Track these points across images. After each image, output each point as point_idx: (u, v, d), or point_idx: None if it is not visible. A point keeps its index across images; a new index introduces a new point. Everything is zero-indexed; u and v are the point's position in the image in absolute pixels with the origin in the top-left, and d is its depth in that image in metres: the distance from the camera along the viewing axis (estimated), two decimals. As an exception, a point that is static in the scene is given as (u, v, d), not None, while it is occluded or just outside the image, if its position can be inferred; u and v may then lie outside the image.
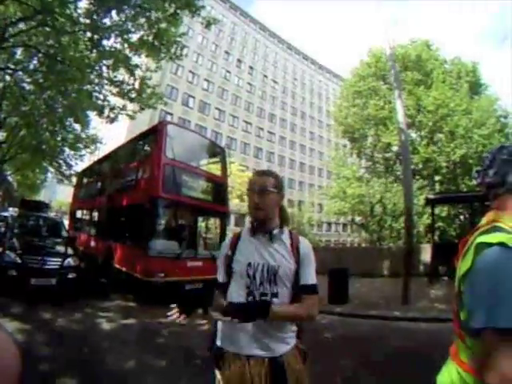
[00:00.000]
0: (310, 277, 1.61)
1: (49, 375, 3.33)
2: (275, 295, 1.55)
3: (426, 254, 12.15)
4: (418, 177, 18.74)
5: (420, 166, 18.77)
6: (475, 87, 21.08)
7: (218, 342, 1.60)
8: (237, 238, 1.71)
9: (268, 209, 1.62)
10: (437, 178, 18.79)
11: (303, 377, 1.58)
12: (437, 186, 18.36)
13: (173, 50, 10.84)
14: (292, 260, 1.60)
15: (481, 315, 0.92)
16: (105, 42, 10.20)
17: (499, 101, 21.08)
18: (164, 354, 4.14)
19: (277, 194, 1.66)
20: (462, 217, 18.59)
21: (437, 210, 14.92)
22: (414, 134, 19.92)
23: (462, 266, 1.06)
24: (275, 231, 1.62)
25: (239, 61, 48.62)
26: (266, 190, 1.61)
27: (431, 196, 13.43)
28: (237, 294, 1.57)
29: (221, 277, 1.69)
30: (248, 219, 1.75)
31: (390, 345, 5.16)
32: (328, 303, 7.68)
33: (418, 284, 9.06)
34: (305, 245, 1.68)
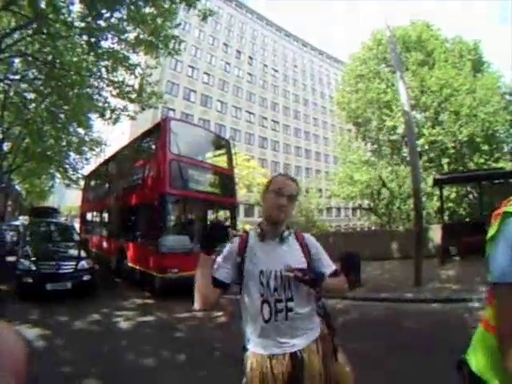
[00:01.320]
0: (329, 267, 1.71)
1: (71, 377, 3.41)
2: (290, 299, 1.58)
3: (437, 235, 12.12)
4: (425, 158, 18.58)
5: (426, 147, 18.58)
6: (477, 65, 20.74)
7: (248, 343, 1.63)
8: (244, 242, 1.69)
9: (289, 213, 1.66)
10: (444, 159, 18.55)
11: (328, 372, 1.60)
12: (445, 167, 18.15)
13: (171, 46, 10.80)
14: (304, 259, 1.65)
15: (497, 272, 1.04)
16: (102, 44, 10.20)
17: (502, 78, 20.75)
18: (183, 349, 4.21)
19: (295, 201, 1.70)
20: (471, 196, 18.43)
21: (445, 192, 14.81)
22: (418, 116, 19.65)
23: (490, 232, 1.14)
24: (285, 233, 1.66)
25: (238, 52, 48.26)
26: (294, 195, 1.66)
27: (439, 176, 13.34)
28: (251, 301, 1.60)
29: (221, 276, 1.64)
30: (255, 226, 1.75)
31: (404, 327, 5.21)
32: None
33: (429, 265, 9.05)
34: (310, 240, 1.74)
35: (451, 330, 4.83)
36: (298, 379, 1.53)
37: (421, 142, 18.08)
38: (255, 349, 1.58)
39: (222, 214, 10.06)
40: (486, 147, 18.21)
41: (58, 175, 21.41)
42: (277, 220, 1.64)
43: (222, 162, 10.32)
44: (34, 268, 6.67)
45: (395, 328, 5.14)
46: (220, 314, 6.10)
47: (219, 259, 1.71)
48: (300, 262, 1.62)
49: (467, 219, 16.92)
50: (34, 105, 13.04)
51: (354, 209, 37.71)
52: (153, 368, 3.73)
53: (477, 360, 1.18)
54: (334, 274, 1.71)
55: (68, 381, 3.31)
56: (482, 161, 17.94)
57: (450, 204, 17.45)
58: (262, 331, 1.56)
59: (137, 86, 11.67)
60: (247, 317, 1.63)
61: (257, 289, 1.59)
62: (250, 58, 49.73)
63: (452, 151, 18.26)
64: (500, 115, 18.31)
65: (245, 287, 1.64)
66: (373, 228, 24.58)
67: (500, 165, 17.52)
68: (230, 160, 10.06)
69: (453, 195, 17.84)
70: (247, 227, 33.98)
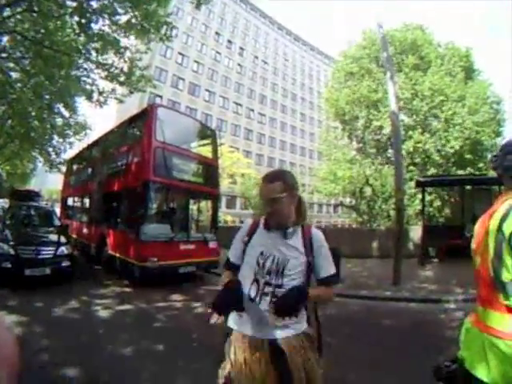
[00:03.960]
0: (331, 268, 1.71)
1: (48, 365, 3.36)
2: (279, 286, 1.59)
3: (416, 236, 12.35)
4: (409, 161, 18.80)
5: (411, 149, 18.76)
6: (469, 72, 20.99)
7: (229, 321, 1.67)
8: (255, 226, 1.76)
9: (281, 214, 1.64)
10: (428, 166, 18.74)
11: (309, 366, 1.60)
12: (428, 172, 18.35)
13: (162, 31, 10.62)
14: (304, 253, 1.65)
15: None
16: (93, 26, 9.95)
17: (491, 86, 21.03)
18: (161, 338, 4.19)
19: (287, 197, 1.63)
20: (452, 200, 18.78)
21: (427, 196, 15.06)
22: (406, 119, 19.82)
23: (507, 226, 1.20)
24: (290, 230, 1.66)
25: (230, 42, 48.00)
26: (275, 198, 1.61)
27: (422, 178, 13.56)
28: (243, 278, 1.66)
29: (233, 256, 1.79)
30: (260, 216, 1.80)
31: (381, 324, 5.30)
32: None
33: (408, 265, 9.21)
34: (318, 237, 1.72)
35: (427, 329, 4.95)
36: (277, 368, 1.55)
37: (407, 145, 18.27)
38: (237, 327, 1.64)
39: (204, 204, 10.05)
40: (470, 156, 18.50)
41: (41, 158, 20.93)
42: (272, 225, 1.68)
43: (206, 151, 10.25)
44: (12, 253, 6.52)
45: (372, 325, 5.22)
46: (198, 304, 6.12)
47: (233, 241, 1.83)
48: (299, 255, 1.64)
49: (447, 223, 17.24)
50: (19, 84, 12.66)
51: (335, 206, 38.11)
52: (131, 357, 3.70)
53: (489, 369, 1.18)
54: (330, 279, 1.70)
55: (45, 369, 3.25)
56: (466, 170, 18.18)
57: (431, 209, 17.70)
58: (247, 309, 1.56)
59: (126, 69, 11.45)
60: None
61: (252, 267, 1.65)
62: (241, 48, 49.54)
63: (437, 158, 18.45)
64: (487, 125, 18.60)
65: (243, 264, 1.72)
66: (354, 226, 24.85)
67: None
68: (214, 150, 9.96)
69: (436, 203, 18.10)
70: (229, 218, 33.89)
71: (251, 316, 1.59)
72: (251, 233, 1.74)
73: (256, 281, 1.63)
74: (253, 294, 1.61)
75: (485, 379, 1.18)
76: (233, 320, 1.66)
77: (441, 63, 19.90)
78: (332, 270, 1.71)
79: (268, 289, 1.60)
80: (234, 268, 1.77)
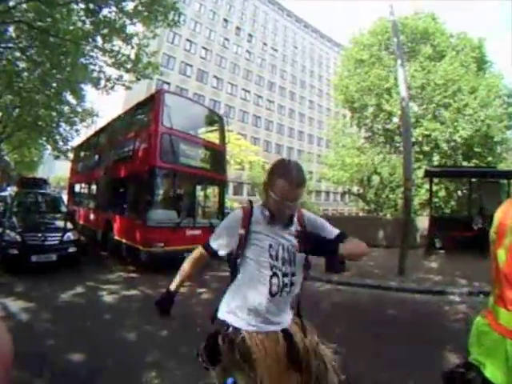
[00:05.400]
0: (332, 232, 1.71)
1: (54, 351, 3.41)
2: (294, 274, 1.61)
3: (423, 226, 12.27)
4: (417, 149, 18.59)
5: (420, 139, 18.53)
6: (481, 64, 20.55)
7: (234, 321, 1.59)
8: (249, 215, 1.65)
9: (295, 211, 1.65)
10: (436, 155, 18.49)
11: (310, 343, 1.67)
12: (435, 163, 18.12)
13: (170, 17, 10.52)
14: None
15: None
16: (99, 12, 9.89)
17: (503, 79, 20.59)
18: (166, 324, 4.20)
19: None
20: (459, 192, 18.58)
21: (434, 187, 14.91)
22: (416, 108, 19.53)
23: None
24: (294, 219, 1.66)
25: (238, 28, 47.42)
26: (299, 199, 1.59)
27: (430, 168, 13.41)
28: (258, 274, 1.58)
29: (217, 244, 1.70)
30: (261, 206, 1.68)
31: (385, 314, 5.29)
32: (325, 272, 7.80)
33: (414, 255, 9.19)
34: (308, 215, 1.76)
35: (430, 320, 4.94)
36: (292, 355, 1.58)
37: (416, 132, 18.04)
38: (249, 327, 1.57)
39: (211, 190, 10.02)
40: (478, 149, 18.23)
41: (49, 146, 21.05)
42: (279, 221, 1.62)
43: (214, 137, 10.20)
44: (19, 239, 6.59)
45: (377, 315, 5.23)
46: (203, 290, 6.15)
47: (218, 229, 1.74)
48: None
49: (454, 215, 17.12)
50: (26, 74, 12.67)
51: (343, 194, 38.01)
52: (135, 342, 3.76)
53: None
54: (342, 236, 1.68)
55: (51, 355, 3.30)
56: (474, 162, 17.96)
57: (437, 200, 17.53)
58: (265, 306, 1.55)
59: (133, 56, 11.40)
60: (245, 291, 1.60)
61: (266, 261, 1.57)
62: (250, 35, 48.96)
63: (446, 148, 18.22)
64: (501, 120, 18.26)
65: (248, 261, 1.61)
66: (361, 214, 24.76)
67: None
68: (222, 136, 9.91)
69: (441, 193, 17.94)
70: (235, 205, 34.16)
71: (270, 311, 1.58)
72: (247, 224, 1.62)
73: (275, 274, 1.57)
74: (275, 290, 1.56)
75: None
76: (241, 318, 1.59)
77: (455, 54, 19.52)
78: (338, 231, 1.72)
79: (286, 279, 1.59)
80: (212, 252, 1.72)
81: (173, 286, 1.80)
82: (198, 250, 1.79)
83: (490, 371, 1.15)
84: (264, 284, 1.55)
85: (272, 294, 1.56)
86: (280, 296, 1.57)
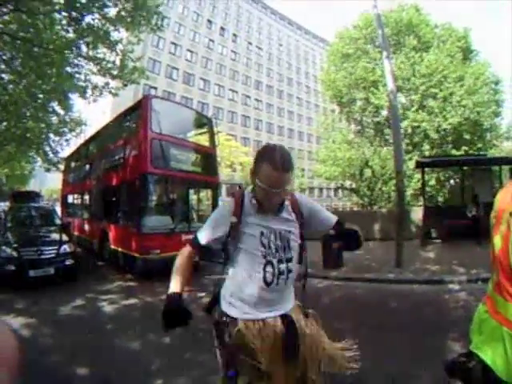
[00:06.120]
0: (330, 219, 1.75)
1: (58, 366, 3.38)
2: (289, 260, 1.60)
3: (417, 217, 12.35)
4: (407, 141, 18.72)
5: (409, 130, 18.67)
6: (466, 53, 20.75)
7: (231, 312, 1.59)
8: (240, 202, 1.60)
9: (282, 198, 1.60)
10: (426, 145, 18.63)
11: (313, 331, 1.66)
12: (426, 153, 18.26)
13: (153, 21, 10.48)
14: (297, 221, 1.65)
15: None
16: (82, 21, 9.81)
17: (490, 67, 20.78)
18: (167, 331, 4.23)
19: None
20: (451, 181, 18.74)
21: (426, 176, 15.04)
22: (403, 100, 19.67)
23: None
24: (285, 204, 1.64)
25: (222, 29, 47.32)
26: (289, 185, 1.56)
27: (422, 159, 13.51)
28: (251, 263, 1.56)
29: (204, 237, 1.63)
30: (250, 194, 1.63)
31: (385, 306, 5.32)
32: (323, 268, 7.83)
33: (410, 247, 9.23)
34: (303, 200, 1.73)
35: (430, 310, 4.97)
36: (291, 340, 1.56)
37: (405, 124, 18.16)
38: (246, 316, 1.56)
39: (204, 194, 10.01)
40: (468, 136, 18.39)
41: (38, 158, 20.80)
42: (267, 210, 1.59)
43: (204, 140, 10.16)
44: (15, 255, 6.52)
45: (377, 308, 5.25)
46: (203, 294, 6.14)
47: (208, 221, 1.67)
48: (295, 225, 1.64)
49: (448, 203, 17.27)
50: (11, 86, 12.50)
51: (336, 189, 38.17)
52: (139, 352, 3.73)
53: (510, 368, 1.11)
54: (338, 224, 1.73)
55: (55, 369, 3.27)
56: (464, 149, 18.12)
57: (429, 189, 17.66)
58: (261, 295, 1.54)
59: (118, 62, 11.32)
60: (240, 281, 1.58)
61: (258, 250, 1.55)
62: (235, 35, 48.89)
63: (435, 137, 18.37)
64: (488, 106, 18.42)
65: (241, 250, 1.59)
66: (355, 209, 24.86)
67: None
68: (212, 138, 9.90)
69: (432, 181, 18.08)
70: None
71: (267, 299, 1.57)
72: (239, 212, 1.58)
73: (269, 263, 1.55)
74: (269, 278, 1.54)
75: (504, 378, 1.11)
76: (238, 308, 1.58)
77: (439, 44, 19.69)
78: (336, 218, 1.76)
79: (282, 266, 1.57)
80: (199, 248, 1.64)
81: (173, 288, 1.62)
82: (185, 248, 1.69)
83: (490, 359, 1.15)
84: (258, 273, 1.54)
85: (267, 283, 1.54)
86: (277, 285, 1.55)
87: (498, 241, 1.22)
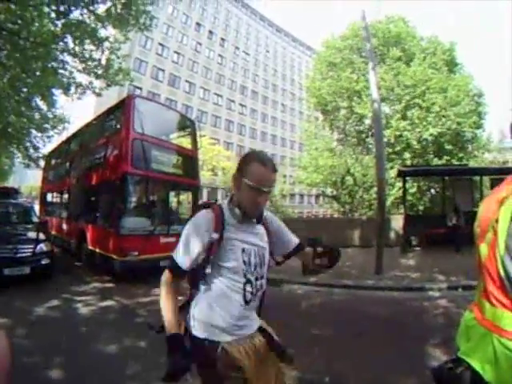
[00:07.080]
0: (294, 238, 1.76)
1: (31, 367, 3.27)
2: (263, 276, 1.58)
3: (397, 225, 12.53)
4: (390, 149, 18.98)
5: (392, 139, 18.94)
6: (451, 66, 21.23)
7: (210, 335, 1.47)
8: (220, 217, 1.50)
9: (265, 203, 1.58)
10: (407, 154, 18.90)
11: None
12: (407, 162, 18.56)
13: (142, 21, 10.40)
14: (267, 240, 1.63)
15: None
16: (70, 14, 9.66)
17: (473, 80, 21.30)
18: (144, 334, 4.12)
19: None
20: (432, 190, 19.08)
21: (407, 185, 15.27)
22: (387, 109, 19.99)
23: None
24: (264, 214, 1.63)
25: (211, 32, 47.44)
26: (273, 187, 1.55)
27: (403, 168, 13.73)
28: (232, 282, 1.48)
29: (189, 260, 1.48)
30: (230, 205, 1.56)
31: (364, 313, 5.33)
32: (303, 274, 7.82)
33: (390, 254, 9.34)
34: (272, 217, 1.73)
35: (410, 317, 5.01)
36: (278, 346, 1.61)
37: (387, 132, 18.41)
38: (228, 337, 1.47)
39: (185, 196, 9.91)
40: (449, 147, 18.75)
41: (19, 154, 20.32)
42: (252, 216, 1.53)
43: (186, 142, 10.09)
44: None
45: (357, 314, 5.26)
46: (180, 298, 6.06)
47: (184, 239, 1.50)
48: (267, 244, 1.63)
49: (428, 212, 17.58)
50: (-5, 79, 12.19)
51: (317, 196, 38.44)
52: (114, 355, 3.64)
53: (499, 374, 1.10)
54: (302, 246, 1.74)
55: (28, 372, 3.16)
56: (445, 159, 18.45)
57: (410, 198, 17.93)
58: (239, 315, 1.49)
59: (104, 61, 11.17)
60: (218, 303, 1.48)
61: (240, 268, 1.47)
62: (222, 39, 49.11)
63: (416, 146, 18.68)
64: (469, 117, 18.86)
65: (220, 268, 1.48)
66: (336, 216, 25.06)
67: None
68: (194, 141, 9.82)
69: (413, 189, 18.36)
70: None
71: (245, 317, 1.52)
72: (221, 227, 1.47)
73: (249, 281, 1.49)
74: (249, 297, 1.49)
75: (493, 383, 1.10)
76: (217, 329, 1.47)
77: (424, 56, 20.11)
78: (297, 240, 1.76)
79: (258, 283, 1.53)
80: (183, 274, 1.52)
81: (171, 329, 1.52)
82: (167, 277, 1.54)
83: (479, 365, 1.14)
84: (238, 292, 1.47)
85: (246, 302, 1.49)
86: (254, 301, 1.53)
87: (483, 249, 1.22)
